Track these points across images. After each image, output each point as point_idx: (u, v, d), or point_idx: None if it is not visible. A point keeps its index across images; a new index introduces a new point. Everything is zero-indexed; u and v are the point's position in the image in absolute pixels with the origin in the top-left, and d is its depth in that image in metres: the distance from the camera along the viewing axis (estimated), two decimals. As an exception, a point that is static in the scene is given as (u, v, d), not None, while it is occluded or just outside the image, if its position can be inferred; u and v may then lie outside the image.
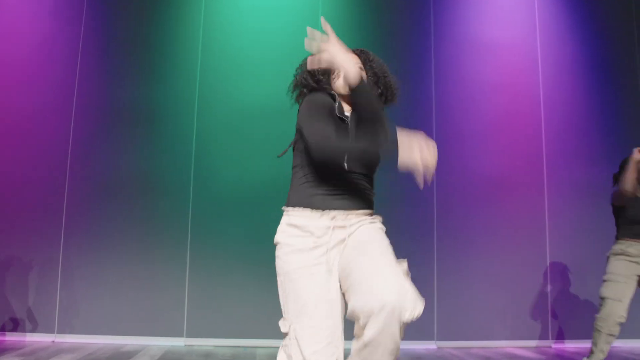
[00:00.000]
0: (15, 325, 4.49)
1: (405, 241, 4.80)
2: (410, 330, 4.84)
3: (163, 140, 4.79)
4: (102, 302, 4.55)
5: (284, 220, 1.85)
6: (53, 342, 4.44)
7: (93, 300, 4.55)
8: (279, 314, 1.82)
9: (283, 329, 1.76)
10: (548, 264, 5.03)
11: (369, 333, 1.52)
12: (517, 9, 5.36)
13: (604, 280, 3.61)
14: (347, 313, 1.63)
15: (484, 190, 5.02)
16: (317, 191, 1.79)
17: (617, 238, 3.70)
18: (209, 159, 4.78)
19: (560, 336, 4.95)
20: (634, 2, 5.44)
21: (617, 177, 3.76)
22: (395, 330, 1.52)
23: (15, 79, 4.75)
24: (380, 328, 1.50)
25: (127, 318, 4.54)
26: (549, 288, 5.00)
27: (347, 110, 1.90)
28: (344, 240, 1.76)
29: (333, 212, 1.77)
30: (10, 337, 4.45)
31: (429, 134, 4.94)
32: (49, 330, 4.51)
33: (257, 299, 4.50)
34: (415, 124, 4.93)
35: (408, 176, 1.76)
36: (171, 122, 4.82)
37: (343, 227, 1.76)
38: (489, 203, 5.01)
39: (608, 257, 3.69)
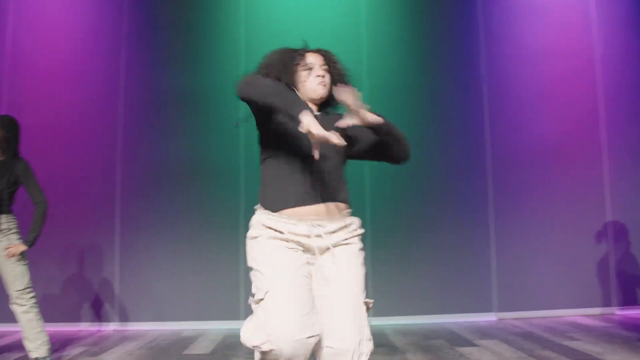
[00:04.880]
0: (76, 317, 4.56)
1: (459, 213, 4.71)
2: (468, 301, 4.70)
3: (210, 125, 4.74)
4: (161, 291, 4.58)
5: (259, 219, 1.76)
6: (114, 330, 4.50)
7: (152, 291, 4.59)
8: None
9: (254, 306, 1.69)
10: (609, 228, 4.85)
11: None
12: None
13: None
14: None
15: (540, 155, 4.85)
16: (287, 190, 1.74)
17: None
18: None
19: (624, 302, 4.80)
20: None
21: None
22: None
23: (65, 74, 4.76)
24: None
25: (185, 304, 4.56)
26: (611, 254, 4.84)
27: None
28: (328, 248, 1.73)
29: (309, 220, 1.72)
30: (70, 328, 4.52)
31: (479, 98, 4.81)
32: (110, 320, 4.58)
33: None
34: (465, 88, 4.81)
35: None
36: (217, 107, 4.76)
37: (321, 236, 1.72)
38: (545, 168, 4.85)
39: None
